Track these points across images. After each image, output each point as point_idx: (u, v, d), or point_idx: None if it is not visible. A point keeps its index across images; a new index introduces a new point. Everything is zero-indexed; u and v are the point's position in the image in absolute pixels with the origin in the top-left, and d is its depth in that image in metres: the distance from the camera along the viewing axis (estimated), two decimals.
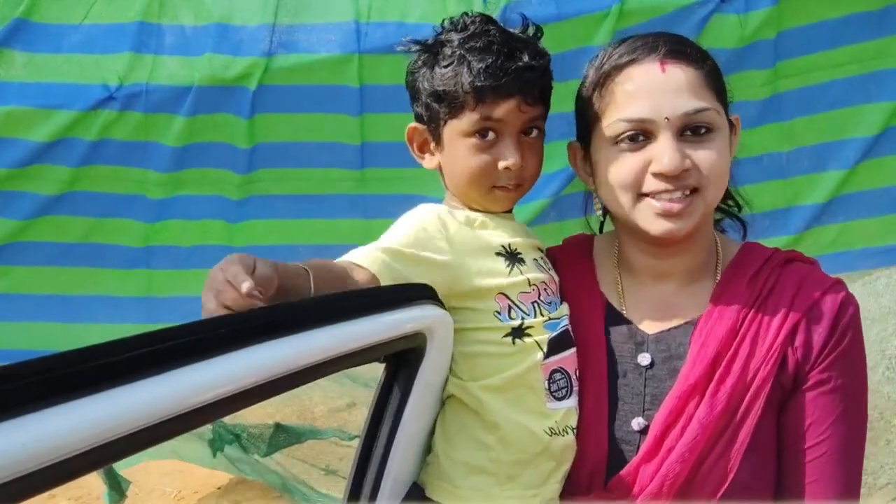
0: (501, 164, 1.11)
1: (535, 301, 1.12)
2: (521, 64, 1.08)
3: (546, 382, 1.09)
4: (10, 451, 0.49)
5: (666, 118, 1.02)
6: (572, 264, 1.21)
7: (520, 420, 1.07)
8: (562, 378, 1.10)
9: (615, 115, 1.06)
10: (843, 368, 1.05)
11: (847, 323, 1.06)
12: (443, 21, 1.16)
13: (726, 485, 1.01)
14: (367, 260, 1.00)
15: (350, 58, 1.96)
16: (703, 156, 1.04)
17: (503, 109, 1.09)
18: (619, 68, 1.07)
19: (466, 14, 1.14)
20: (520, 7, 1.96)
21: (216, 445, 2.80)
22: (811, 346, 1.05)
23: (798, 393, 1.05)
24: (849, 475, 1.05)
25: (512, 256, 1.13)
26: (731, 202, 1.23)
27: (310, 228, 2.07)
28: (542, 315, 1.11)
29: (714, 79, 1.08)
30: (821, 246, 2.09)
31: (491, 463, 1.08)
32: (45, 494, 0.55)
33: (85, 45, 1.92)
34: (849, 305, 1.07)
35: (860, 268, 2.29)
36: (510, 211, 1.22)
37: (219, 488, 4.21)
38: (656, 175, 1.04)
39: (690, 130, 1.04)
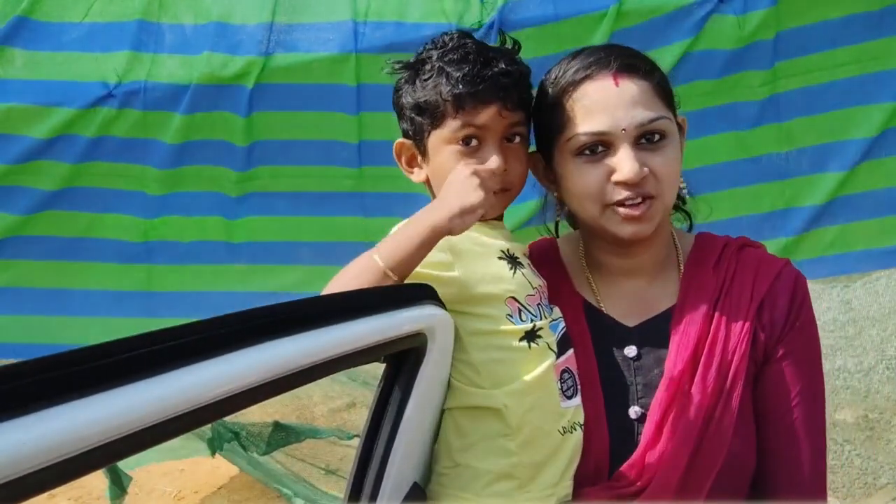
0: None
1: (539, 304, 1.14)
2: (496, 70, 1.13)
3: (558, 382, 1.11)
4: (11, 451, 0.49)
5: (623, 129, 1.09)
6: (546, 268, 1.25)
7: (538, 422, 1.09)
8: (569, 377, 1.13)
9: (574, 130, 1.12)
10: (803, 339, 1.16)
11: (802, 297, 1.17)
12: (421, 48, 1.22)
13: (723, 458, 1.08)
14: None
15: (348, 57, 1.97)
16: (659, 162, 1.11)
17: (483, 115, 1.12)
18: (574, 84, 1.13)
19: (446, 33, 1.20)
20: (517, 8, 1.97)
21: (215, 444, 2.81)
22: (775, 322, 1.15)
23: (768, 365, 1.15)
24: (818, 438, 1.16)
25: (512, 260, 1.15)
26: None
27: (308, 226, 2.08)
28: (544, 317, 1.14)
29: (663, 88, 1.15)
30: (820, 247, 2.09)
31: (514, 468, 1.09)
32: (46, 494, 0.55)
33: (85, 43, 1.93)
34: (802, 280, 1.19)
35: (860, 269, 2.29)
36: (500, 219, 1.24)
37: (219, 488, 4.22)
38: (618, 183, 1.10)
39: (645, 139, 1.11)
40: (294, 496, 3.09)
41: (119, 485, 2.83)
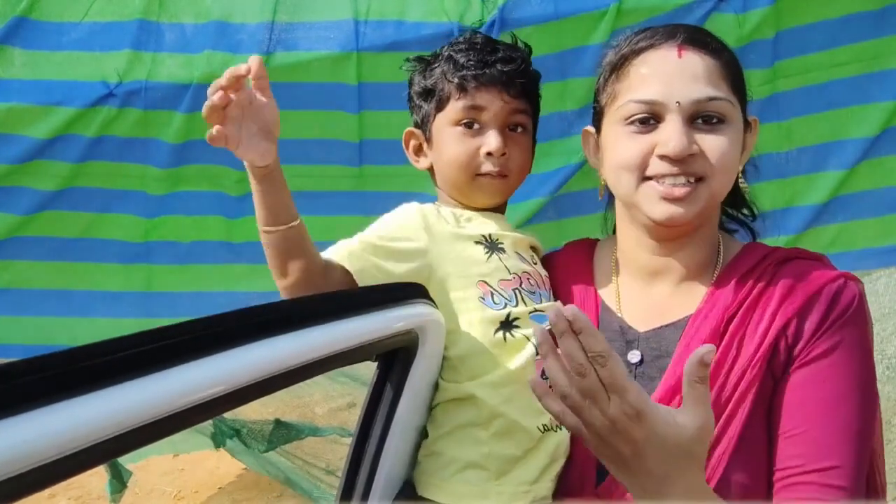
0: (484, 150, 1.17)
1: (517, 289, 1.14)
2: (500, 55, 1.18)
3: (540, 378, 1.10)
4: (11, 449, 0.50)
5: (677, 102, 1.01)
6: (570, 266, 1.22)
7: (514, 416, 1.08)
8: None
9: (627, 97, 1.05)
10: (834, 343, 0.99)
11: (844, 306, 1.01)
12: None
13: (714, 484, 0.98)
14: (337, 252, 1.07)
15: (349, 56, 1.97)
16: (712, 143, 1.02)
17: (485, 97, 1.17)
18: (636, 52, 1.07)
19: (462, 34, 1.27)
20: (518, 6, 1.96)
21: (217, 440, 2.82)
22: (802, 331, 1.01)
23: (786, 375, 1.02)
24: (856, 443, 0.96)
25: (492, 245, 1.17)
26: (745, 211, 1.20)
27: (308, 225, 2.07)
28: (524, 303, 1.13)
29: (732, 71, 1.06)
30: (820, 246, 2.08)
31: (483, 458, 1.09)
32: (46, 494, 0.55)
33: (85, 42, 1.92)
34: (845, 290, 1.02)
35: (859, 268, 2.28)
36: (503, 212, 1.25)
37: (219, 488, 4.22)
38: (662, 157, 1.02)
39: (702, 119, 1.02)
40: (303, 488, 3.09)
41: (119, 479, 2.83)
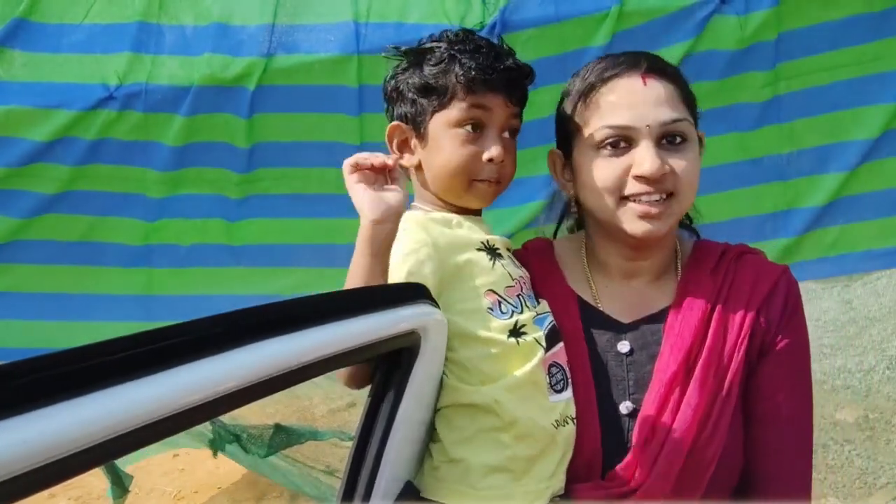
0: (486, 156, 1.16)
1: (520, 294, 1.16)
2: (508, 64, 1.17)
3: (546, 377, 1.12)
4: (11, 449, 0.50)
5: (647, 126, 1.11)
6: (538, 264, 1.27)
7: (531, 416, 1.10)
8: (558, 371, 1.14)
9: (599, 123, 1.14)
10: (794, 340, 1.18)
11: (795, 301, 1.19)
12: (420, 40, 1.24)
13: (717, 459, 1.10)
14: None
15: (349, 58, 1.96)
16: (680, 163, 1.13)
17: (491, 101, 1.16)
18: (603, 80, 1.16)
19: (447, 30, 1.23)
20: (519, 8, 1.96)
21: (216, 446, 2.81)
22: (770, 322, 1.17)
23: (760, 364, 1.16)
24: (804, 437, 1.18)
25: (492, 251, 1.17)
26: (686, 217, 1.30)
27: (309, 228, 2.07)
28: (527, 308, 1.15)
29: (687, 95, 1.18)
30: (821, 248, 2.08)
31: (508, 461, 1.10)
32: (46, 494, 0.55)
33: (85, 44, 1.91)
34: (796, 285, 1.22)
35: (860, 270, 2.29)
36: (479, 216, 1.26)
37: (219, 488, 4.22)
38: (638, 178, 1.12)
39: (667, 139, 1.13)
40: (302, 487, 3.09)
41: (120, 485, 2.82)
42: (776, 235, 2.09)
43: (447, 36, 1.21)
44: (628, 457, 1.10)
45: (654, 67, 1.15)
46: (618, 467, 1.10)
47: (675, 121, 1.12)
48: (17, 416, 0.50)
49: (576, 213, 1.31)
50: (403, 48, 1.24)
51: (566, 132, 1.22)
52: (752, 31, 1.97)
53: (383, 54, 1.26)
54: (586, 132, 1.16)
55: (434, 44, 1.20)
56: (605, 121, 1.13)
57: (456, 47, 1.17)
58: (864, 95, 2.00)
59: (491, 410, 1.10)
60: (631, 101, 1.12)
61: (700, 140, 1.20)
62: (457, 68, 1.15)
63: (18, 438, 0.50)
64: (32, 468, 0.51)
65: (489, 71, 1.14)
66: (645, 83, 1.13)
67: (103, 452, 0.57)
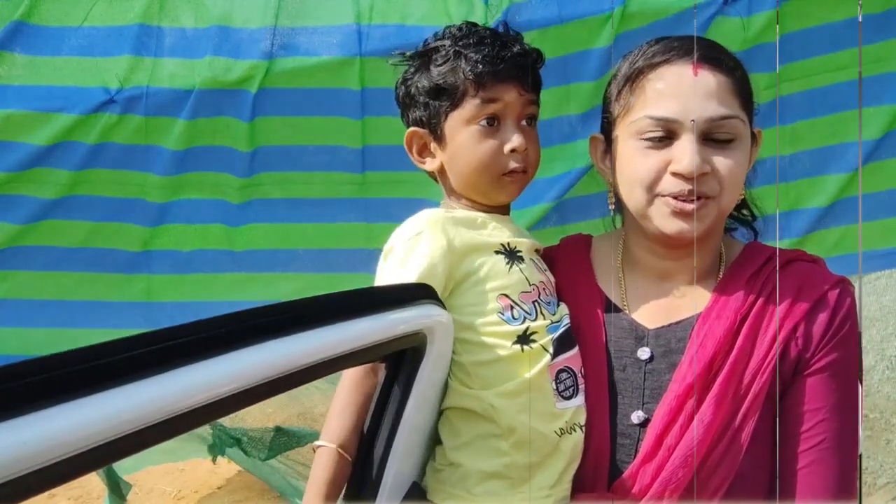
0: (507, 147, 1.15)
1: (536, 300, 1.13)
2: (514, 50, 1.15)
3: (553, 383, 1.10)
4: (11, 450, 0.49)
5: (692, 120, 1.03)
6: (569, 262, 1.23)
7: (532, 424, 1.09)
8: (568, 377, 1.12)
9: (642, 112, 1.07)
10: (840, 355, 1.08)
11: (845, 314, 1.09)
12: (425, 41, 1.22)
13: (731, 480, 1.04)
14: None
15: (351, 60, 1.95)
16: (723, 163, 1.05)
17: (503, 93, 1.14)
18: (652, 66, 1.09)
19: (451, 25, 1.21)
20: (522, 9, 1.95)
21: (216, 449, 2.80)
22: (811, 336, 1.07)
23: (798, 379, 1.08)
24: (850, 452, 1.08)
25: (511, 254, 1.15)
26: (745, 211, 1.23)
27: (311, 232, 2.06)
28: (542, 316, 1.13)
29: (742, 88, 1.09)
30: (824, 249, 2.08)
31: (505, 468, 1.09)
32: (46, 494, 0.55)
33: (85, 47, 1.89)
34: (846, 297, 1.11)
35: (862, 271, 2.29)
36: (507, 213, 1.24)
37: (219, 488, 4.22)
38: (675, 174, 1.05)
39: (714, 137, 1.05)
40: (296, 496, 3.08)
41: (118, 492, 2.81)
42: (779, 237, 2.09)
43: (450, 32, 1.19)
44: (632, 468, 1.07)
45: (709, 56, 1.06)
46: (621, 478, 1.07)
47: (723, 118, 1.04)
48: (18, 417, 0.50)
49: (614, 204, 1.22)
50: (409, 53, 1.22)
51: (608, 117, 1.16)
52: (754, 33, 1.96)
53: (389, 62, 1.24)
54: (628, 119, 1.09)
55: (438, 42, 1.19)
56: (648, 110, 1.06)
57: (460, 43, 1.15)
58: (866, 97, 2.00)
59: (489, 416, 1.09)
60: (678, 92, 1.05)
61: (755, 137, 1.12)
62: (463, 64, 1.13)
63: (18, 440, 0.50)
64: (32, 469, 0.51)
65: (496, 62, 1.12)
66: (696, 73, 1.04)
67: (104, 454, 0.57)
